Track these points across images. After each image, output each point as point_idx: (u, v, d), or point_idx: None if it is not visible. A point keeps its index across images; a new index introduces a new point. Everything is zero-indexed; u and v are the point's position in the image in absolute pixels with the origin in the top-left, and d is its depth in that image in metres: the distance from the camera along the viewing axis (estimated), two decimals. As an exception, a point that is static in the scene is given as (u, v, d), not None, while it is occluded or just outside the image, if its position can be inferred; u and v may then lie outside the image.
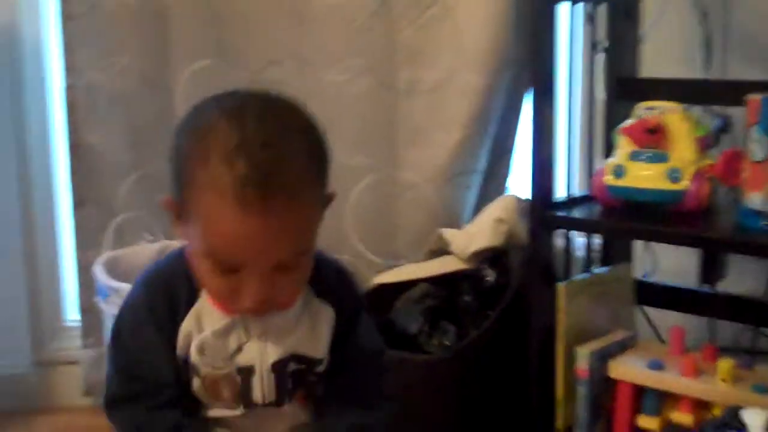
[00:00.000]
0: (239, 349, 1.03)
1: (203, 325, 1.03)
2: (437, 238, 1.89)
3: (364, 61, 1.96)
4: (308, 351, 1.06)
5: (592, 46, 1.79)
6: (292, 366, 1.06)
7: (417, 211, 2.01)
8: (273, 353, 1.04)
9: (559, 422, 1.64)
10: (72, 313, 2.22)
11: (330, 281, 1.09)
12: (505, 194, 1.93)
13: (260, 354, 1.04)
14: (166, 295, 1.04)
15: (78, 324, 2.11)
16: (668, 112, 1.57)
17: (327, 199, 1.03)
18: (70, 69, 1.97)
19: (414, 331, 1.75)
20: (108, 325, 1.80)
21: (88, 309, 2.06)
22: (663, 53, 1.86)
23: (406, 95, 1.97)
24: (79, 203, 2.03)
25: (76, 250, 2.06)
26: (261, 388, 1.05)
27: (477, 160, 1.98)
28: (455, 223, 1.95)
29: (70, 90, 1.98)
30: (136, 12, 1.96)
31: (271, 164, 0.91)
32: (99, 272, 1.81)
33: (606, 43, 1.78)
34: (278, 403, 1.07)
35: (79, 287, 2.08)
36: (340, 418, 1.09)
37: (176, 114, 1.94)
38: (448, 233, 1.87)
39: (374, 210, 2.02)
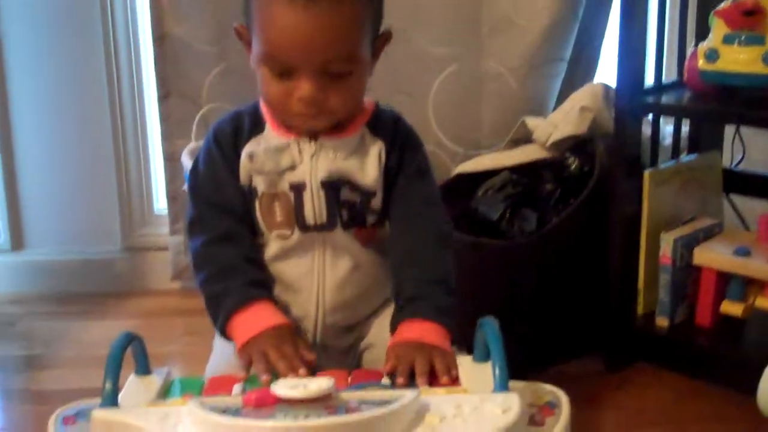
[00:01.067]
0: (292, 168, 1.09)
1: (261, 146, 1.11)
2: (520, 127, 1.88)
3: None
4: (359, 178, 1.10)
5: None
6: (346, 193, 1.10)
7: (500, 100, 1.99)
8: (323, 171, 1.09)
9: (640, 308, 1.64)
10: (160, 201, 2.28)
11: (386, 123, 1.14)
12: (592, 82, 1.89)
13: (311, 172, 1.09)
14: (232, 125, 1.13)
15: (166, 211, 2.18)
16: (766, -7, 1.51)
17: (383, 37, 1.11)
18: (155, -41, 1.98)
19: (495, 218, 1.76)
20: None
21: (175, 197, 2.12)
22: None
23: (492, -18, 1.94)
24: (165, 95, 2.06)
25: (163, 141, 2.10)
26: (312, 205, 1.09)
27: (564, 47, 1.94)
28: (539, 112, 1.93)
29: (156, -20, 1.99)
30: None
31: None
32: (185, 160, 1.85)
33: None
34: (330, 225, 1.10)
35: (166, 176, 2.13)
36: (406, 265, 1.10)
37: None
38: (532, 122, 1.85)
39: (457, 100, 2.01)
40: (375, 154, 1.11)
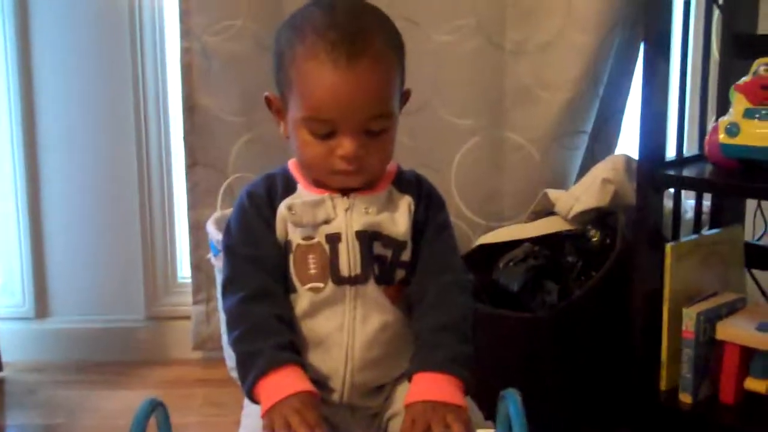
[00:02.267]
0: (327, 221, 1.13)
1: (297, 200, 1.14)
2: (542, 199, 1.89)
3: (473, 21, 1.96)
4: (391, 231, 1.14)
5: (709, 2, 1.74)
6: (378, 248, 1.13)
7: (522, 172, 2.01)
8: (357, 223, 1.13)
9: (663, 383, 1.62)
10: (184, 270, 2.30)
11: (410, 181, 1.19)
12: (614, 154, 1.90)
13: (346, 223, 1.13)
14: (265, 186, 1.17)
15: (189, 281, 2.19)
16: (786, 69, 1.52)
17: (405, 95, 1.17)
18: (186, 32, 2.02)
19: (516, 290, 1.76)
20: (219, 279, 1.86)
21: (199, 267, 2.13)
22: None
23: (514, 55, 1.98)
24: (192, 164, 2.09)
25: (188, 210, 2.13)
26: (347, 256, 1.12)
27: (585, 121, 1.96)
28: (561, 185, 1.94)
29: (186, 53, 2.03)
30: (250, -24, 2.00)
31: (357, 34, 1.08)
32: (211, 229, 1.87)
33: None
34: (363, 278, 1.12)
35: (190, 246, 2.14)
36: (428, 317, 1.12)
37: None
38: (553, 194, 1.86)
39: (479, 171, 2.03)
40: (405, 207, 1.15)
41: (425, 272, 1.15)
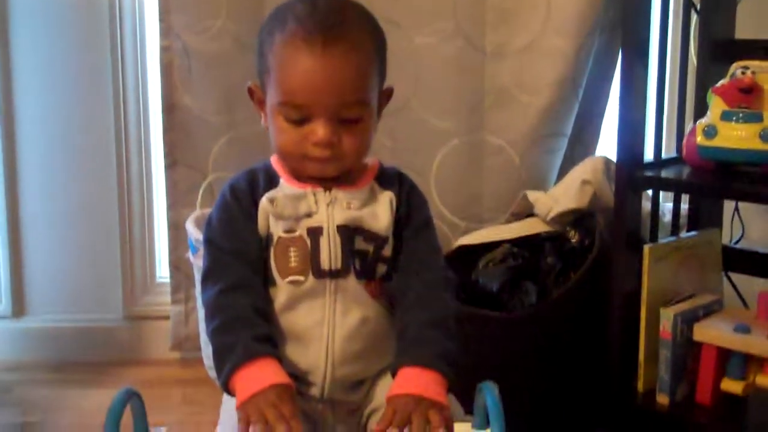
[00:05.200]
0: (309, 215, 1.14)
1: (280, 193, 1.15)
2: (521, 200, 1.90)
3: (454, 23, 1.97)
4: (372, 225, 1.14)
5: (687, 7, 1.76)
6: (359, 242, 1.13)
7: (501, 174, 2.01)
8: (339, 217, 1.13)
9: (640, 384, 1.63)
10: (163, 270, 2.29)
11: (392, 177, 1.21)
12: (593, 156, 1.92)
13: (327, 217, 1.13)
14: (247, 180, 1.17)
15: (168, 281, 2.18)
16: (763, 72, 1.54)
17: (387, 92, 1.19)
18: (166, 31, 2.01)
19: (495, 290, 1.76)
20: (198, 278, 1.85)
21: (178, 266, 2.13)
22: (759, 14, 1.82)
23: (494, 58, 1.99)
24: (171, 163, 2.08)
25: (168, 209, 2.12)
26: (328, 250, 1.12)
27: (565, 123, 1.97)
28: (540, 187, 1.95)
29: (166, 52, 2.02)
30: (231, -25, 1.99)
31: (335, 22, 1.10)
32: (190, 228, 1.87)
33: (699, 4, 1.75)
34: (344, 272, 1.12)
35: (170, 245, 2.14)
36: (412, 312, 1.13)
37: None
38: (533, 195, 1.87)
39: (458, 173, 2.04)
40: (386, 202, 1.16)
41: (408, 269, 1.16)
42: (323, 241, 1.12)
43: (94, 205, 2.22)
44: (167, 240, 2.15)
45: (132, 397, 0.99)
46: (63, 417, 1.94)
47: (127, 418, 0.99)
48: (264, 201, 1.14)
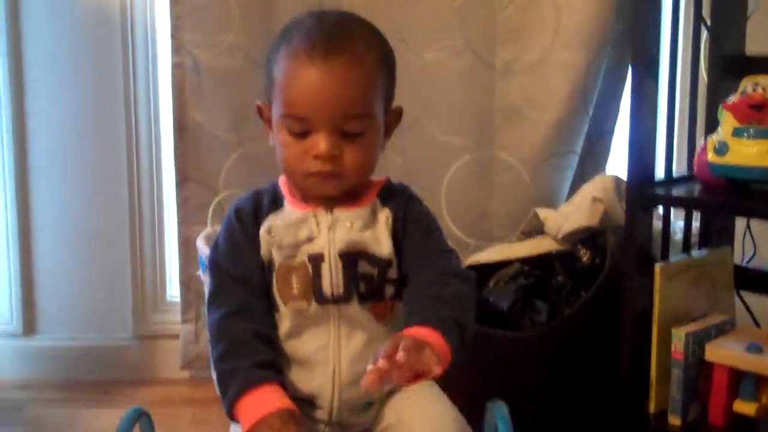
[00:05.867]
0: (310, 240, 1.13)
1: (280, 220, 1.15)
2: (532, 218, 1.88)
3: (463, 40, 1.97)
4: (375, 250, 1.13)
5: (697, 22, 1.74)
6: (363, 266, 1.12)
7: (512, 192, 2.00)
8: (340, 242, 1.12)
9: (652, 405, 1.61)
10: (173, 288, 2.28)
11: (395, 195, 1.19)
12: (603, 174, 1.90)
13: (328, 242, 1.12)
14: (252, 202, 1.18)
15: (178, 299, 2.17)
16: (774, 88, 1.52)
17: (396, 112, 1.19)
18: (178, 48, 2.02)
19: (506, 309, 1.74)
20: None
21: (188, 285, 2.12)
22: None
23: (504, 74, 1.98)
24: (182, 180, 2.08)
25: (178, 226, 2.12)
26: (330, 276, 1.11)
27: (575, 140, 1.96)
28: (550, 204, 1.94)
29: (178, 68, 2.02)
30: (242, -9, 1.99)
31: (338, 36, 1.11)
32: (201, 245, 1.86)
33: (710, 20, 1.73)
34: (346, 298, 1.11)
35: (180, 263, 2.13)
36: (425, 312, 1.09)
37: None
38: (543, 213, 1.86)
39: (469, 190, 2.03)
40: (383, 222, 1.15)
41: (416, 273, 1.14)
42: (324, 268, 1.12)
43: (105, 223, 2.23)
44: (178, 258, 2.14)
45: (141, 416, 1.00)
46: (72, 436, 1.94)
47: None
48: (262, 232, 1.14)
